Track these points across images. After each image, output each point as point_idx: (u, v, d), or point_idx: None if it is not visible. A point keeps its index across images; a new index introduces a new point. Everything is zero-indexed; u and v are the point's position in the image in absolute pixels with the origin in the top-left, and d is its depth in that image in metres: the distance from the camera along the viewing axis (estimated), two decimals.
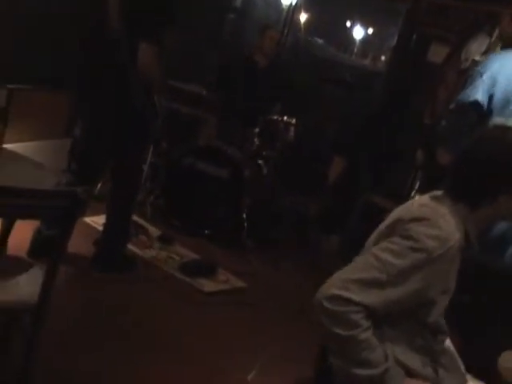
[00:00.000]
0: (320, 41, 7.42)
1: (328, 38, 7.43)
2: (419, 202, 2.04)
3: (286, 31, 6.69)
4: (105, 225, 3.98)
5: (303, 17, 7.14)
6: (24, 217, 2.40)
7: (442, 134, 3.42)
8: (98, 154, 3.78)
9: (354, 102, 6.32)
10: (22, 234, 3.23)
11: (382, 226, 2.06)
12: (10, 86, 4.28)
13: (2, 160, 2.81)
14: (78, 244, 3.97)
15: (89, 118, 3.76)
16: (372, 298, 1.83)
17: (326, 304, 1.82)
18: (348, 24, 7.44)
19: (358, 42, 7.47)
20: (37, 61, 4.55)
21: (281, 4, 6.99)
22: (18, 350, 2.39)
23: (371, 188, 5.29)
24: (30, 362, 2.32)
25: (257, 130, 5.35)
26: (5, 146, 4.30)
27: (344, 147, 6.11)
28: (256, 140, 5.37)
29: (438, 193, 2.06)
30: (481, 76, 3.25)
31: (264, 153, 5.36)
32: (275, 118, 5.35)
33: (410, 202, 2.14)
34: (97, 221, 4.44)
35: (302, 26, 7.13)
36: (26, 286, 2.35)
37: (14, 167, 2.85)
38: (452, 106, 3.36)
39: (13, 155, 3.24)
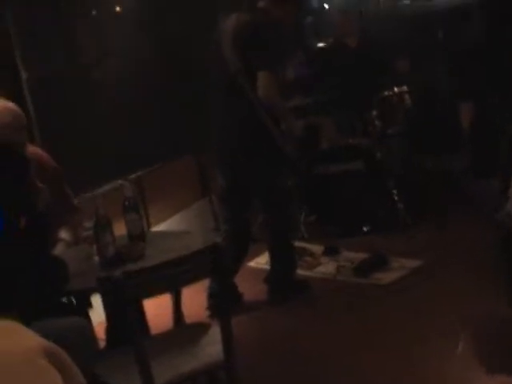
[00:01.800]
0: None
1: None
2: None
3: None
4: (270, 260, 4.16)
5: None
6: (185, 283, 2.57)
7: None
8: (242, 197, 4.02)
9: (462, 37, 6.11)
10: (191, 300, 3.42)
11: None
12: (132, 176, 4.60)
13: (150, 241, 3.02)
14: (250, 288, 4.19)
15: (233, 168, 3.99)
16: None
17: None
18: None
19: None
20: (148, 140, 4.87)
21: None
22: None
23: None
24: None
25: (374, 112, 5.32)
26: (152, 229, 4.64)
27: (468, 92, 5.91)
28: (377, 122, 5.34)
29: None
30: None
31: (389, 131, 5.32)
32: (386, 93, 5.29)
33: None
34: (260, 261, 4.61)
35: None
36: (211, 346, 2.50)
37: (163, 242, 3.07)
38: None
39: (158, 234, 3.48)
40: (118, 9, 5.16)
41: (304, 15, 7.47)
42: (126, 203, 3.02)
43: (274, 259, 4.10)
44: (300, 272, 4.34)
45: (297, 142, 4.03)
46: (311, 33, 7.62)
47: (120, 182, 3.38)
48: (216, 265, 2.38)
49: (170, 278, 2.30)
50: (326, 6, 7.58)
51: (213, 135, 4.00)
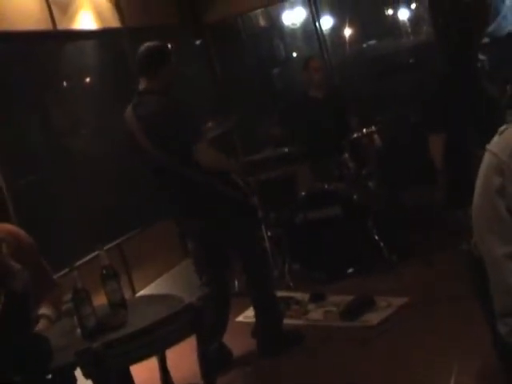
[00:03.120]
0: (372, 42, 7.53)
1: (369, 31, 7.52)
2: None
3: (326, 55, 6.81)
4: (254, 313, 4.19)
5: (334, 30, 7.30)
6: (166, 347, 2.61)
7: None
8: (216, 257, 4.07)
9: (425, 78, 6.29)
10: (181, 361, 3.45)
11: None
12: (112, 244, 4.66)
13: (132, 307, 3.07)
14: (241, 343, 4.22)
15: (197, 232, 4.04)
16: None
17: None
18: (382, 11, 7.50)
19: (397, 23, 7.50)
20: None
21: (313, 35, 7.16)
22: None
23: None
24: None
25: (346, 155, 5.45)
26: (138, 294, 4.68)
27: (438, 123, 6.05)
28: (350, 164, 5.46)
29: None
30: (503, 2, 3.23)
31: (364, 171, 5.44)
32: (355, 135, 5.43)
33: None
34: (248, 314, 4.64)
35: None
36: None
37: (145, 308, 3.11)
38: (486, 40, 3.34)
39: (140, 299, 3.52)
40: (88, 79, 5.31)
41: (271, 66, 7.70)
42: (104, 272, 3.06)
43: (258, 313, 4.13)
44: (289, 321, 4.39)
45: (255, 192, 4.09)
46: (279, 84, 7.83)
47: (97, 251, 3.44)
48: (195, 324, 2.44)
49: (150, 344, 2.35)
50: (295, 54, 7.78)
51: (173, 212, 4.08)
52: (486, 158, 2.21)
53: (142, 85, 3.84)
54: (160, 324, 2.34)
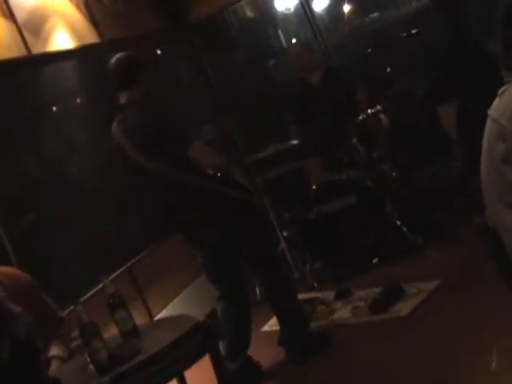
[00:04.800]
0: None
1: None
2: None
3: (319, 37, 6.81)
4: (278, 321, 4.20)
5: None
6: (179, 371, 2.64)
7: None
8: (227, 268, 4.09)
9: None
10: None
11: None
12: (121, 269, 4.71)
13: (145, 333, 3.10)
14: (267, 353, 4.24)
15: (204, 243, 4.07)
16: None
17: None
18: None
19: None
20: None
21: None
22: None
23: None
24: None
25: (354, 140, 5.44)
26: (159, 316, 4.72)
27: (449, 92, 6.03)
28: (360, 148, 5.45)
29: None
30: None
31: (375, 154, 5.43)
32: (361, 117, 5.42)
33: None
34: (273, 323, 4.64)
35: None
36: None
37: (159, 333, 3.14)
38: None
39: (153, 324, 3.55)
40: (73, 101, 5.34)
41: (266, 58, 7.70)
42: (111, 301, 3.10)
43: (281, 320, 4.15)
44: (315, 324, 4.40)
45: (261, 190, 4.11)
46: (276, 75, 7.81)
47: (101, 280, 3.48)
48: (206, 344, 2.46)
49: (161, 371, 2.37)
50: (294, 40, 7.75)
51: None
52: (488, 125, 2.20)
53: (123, 98, 3.87)
54: (168, 349, 2.36)
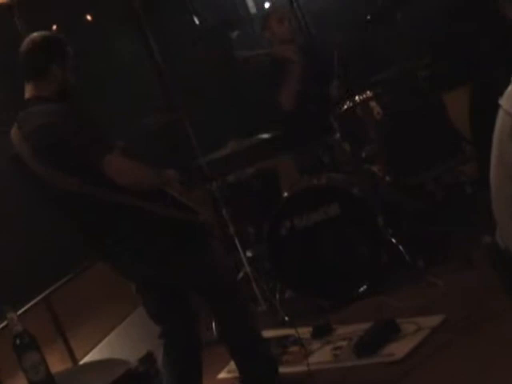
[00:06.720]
0: None
1: None
2: None
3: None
4: (237, 367, 4.19)
5: None
6: None
7: None
8: (169, 302, 4.10)
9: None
10: None
11: None
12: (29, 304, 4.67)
13: (64, 382, 3.09)
14: None
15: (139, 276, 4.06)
16: None
17: None
18: None
19: None
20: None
21: None
22: None
23: None
24: None
25: (337, 135, 5.44)
26: (85, 359, 4.70)
27: (458, 73, 6.10)
28: (345, 145, 5.45)
29: None
30: None
31: (363, 153, 5.44)
32: (346, 106, 5.42)
33: None
34: (233, 368, 4.61)
35: None
36: None
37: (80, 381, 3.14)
38: None
39: (72, 372, 3.52)
40: None
41: (228, 28, 7.69)
42: (18, 342, 3.06)
43: (240, 365, 4.13)
44: (287, 369, 4.40)
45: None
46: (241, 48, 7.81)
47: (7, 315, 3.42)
48: None
49: None
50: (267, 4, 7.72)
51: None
52: (499, 118, 2.20)
53: (28, 92, 3.82)
54: None
